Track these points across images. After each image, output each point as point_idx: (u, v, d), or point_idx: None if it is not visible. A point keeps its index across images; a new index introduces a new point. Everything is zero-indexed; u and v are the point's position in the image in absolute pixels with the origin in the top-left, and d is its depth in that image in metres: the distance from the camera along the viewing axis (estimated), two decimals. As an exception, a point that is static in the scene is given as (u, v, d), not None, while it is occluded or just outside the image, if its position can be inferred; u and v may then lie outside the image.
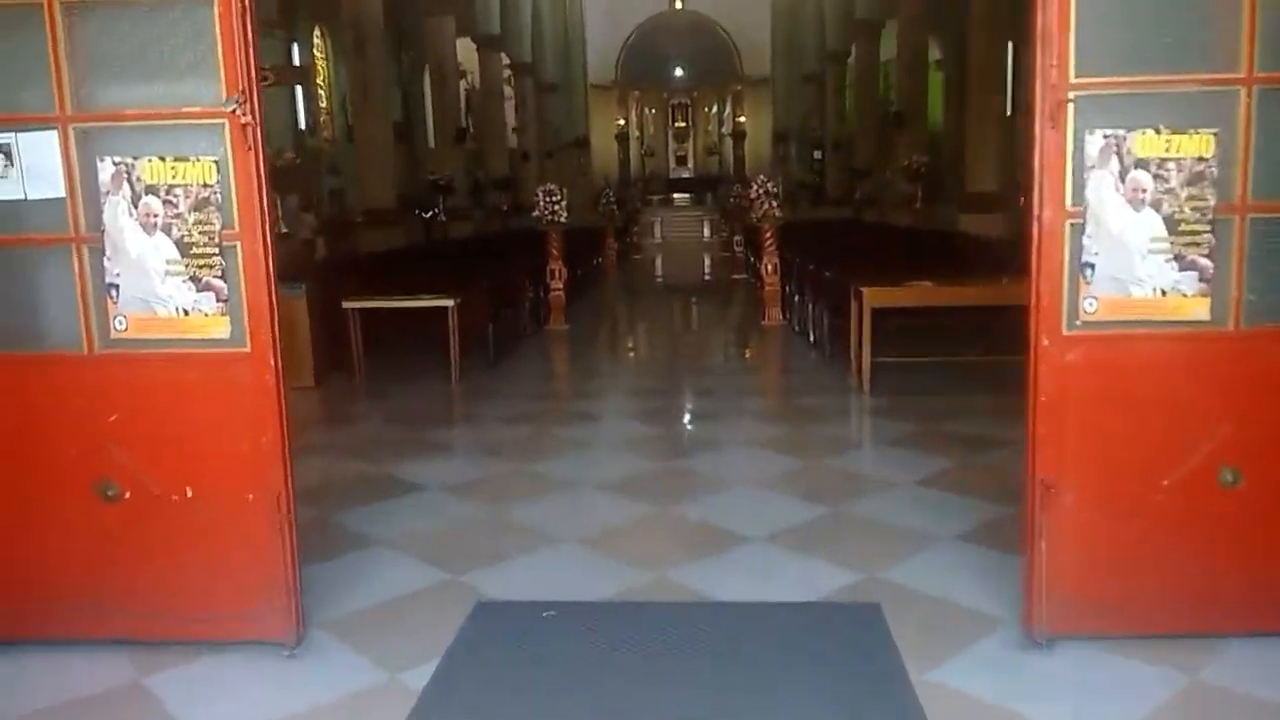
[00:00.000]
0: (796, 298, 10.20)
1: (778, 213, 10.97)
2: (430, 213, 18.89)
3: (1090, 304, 2.96)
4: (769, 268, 11.00)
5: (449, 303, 7.80)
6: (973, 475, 4.99)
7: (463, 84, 31.05)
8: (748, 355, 9.65)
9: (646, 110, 38.03)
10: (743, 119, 36.54)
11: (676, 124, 38.55)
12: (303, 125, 23.88)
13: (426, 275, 9.95)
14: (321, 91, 25.79)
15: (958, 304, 7.14)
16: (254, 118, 3.21)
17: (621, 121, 36.91)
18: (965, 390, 7.02)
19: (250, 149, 3.13)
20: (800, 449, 5.63)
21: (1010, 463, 5.14)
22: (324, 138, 25.18)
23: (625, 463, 5.44)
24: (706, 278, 18.84)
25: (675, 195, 36.22)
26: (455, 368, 7.90)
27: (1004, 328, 8.76)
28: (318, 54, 25.46)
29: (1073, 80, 2.86)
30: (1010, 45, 16.24)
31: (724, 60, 36.33)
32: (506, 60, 28.68)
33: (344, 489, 5.04)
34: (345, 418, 6.95)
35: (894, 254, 11.28)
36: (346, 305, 7.83)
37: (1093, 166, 2.90)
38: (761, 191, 10.85)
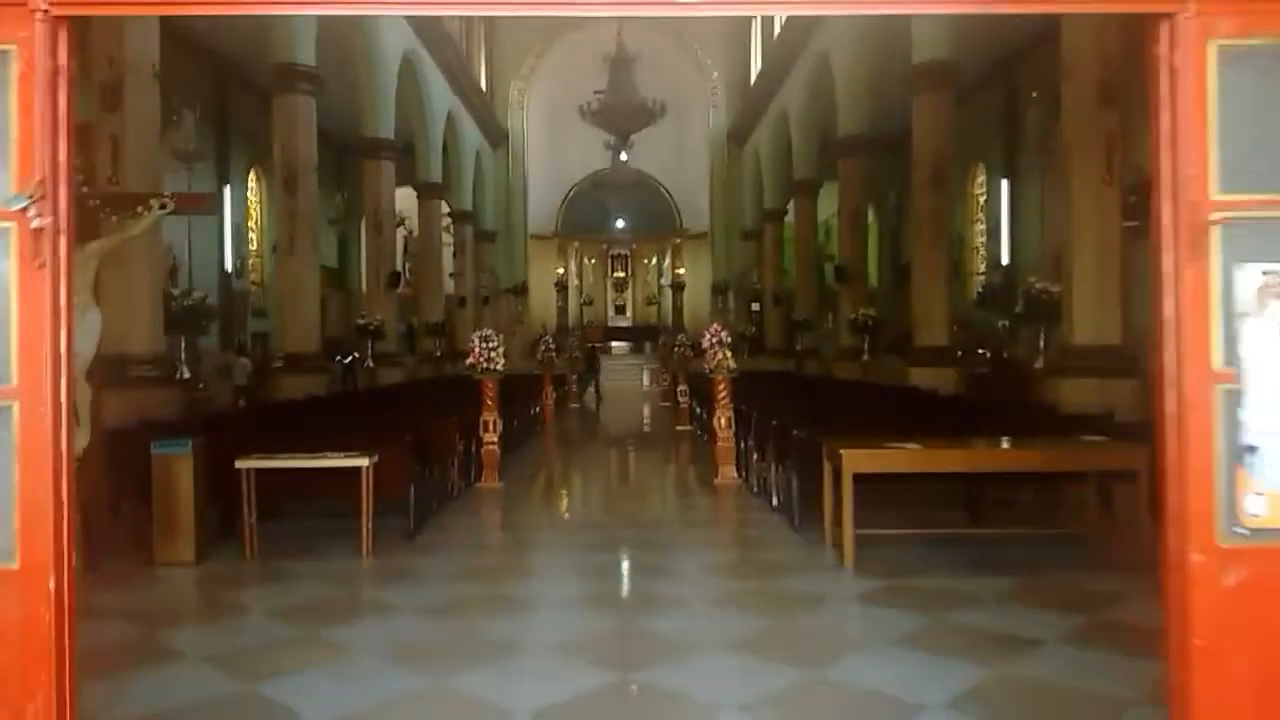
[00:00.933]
0: (755, 456, 9.30)
1: (732, 363, 10.22)
2: (349, 358, 17.82)
3: (1256, 503, 2.08)
4: (722, 421, 10.16)
5: (362, 462, 6.69)
6: (1016, 694, 3.99)
7: (400, 230, 30.78)
8: (706, 523, 8.59)
9: (586, 260, 38.12)
10: (682, 270, 36.77)
11: (616, 274, 38.68)
12: (229, 267, 23.02)
13: (344, 428, 8.85)
14: (253, 234, 25.07)
15: (951, 470, 6.32)
16: (59, 223, 2.23)
17: (561, 270, 36.82)
18: (963, 569, 6.10)
19: (44, 266, 2.15)
20: (789, 654, 4.56)
21: (1058, 674, 4.20)
22: (251, 280, 24.28)
23: (568, 673, 4.31)
24: (649, 428, 17.93)
25: (613, 344, 35.82)
26: (367, 541, 6.72)
27: (1000, 495, 8.18)
28: (251, 196, 24.89)
29: (1217, 197, 2.07)
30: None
31: (663, 214, 36.87)
32: (446, 208, 28.50)
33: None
34: (221, 608, 5.67)
35: (857, 409, 10.56)
36: (239, 464, 6.65)
37: (1247, 313, 2.08)
38: (715, 340, 10.13)
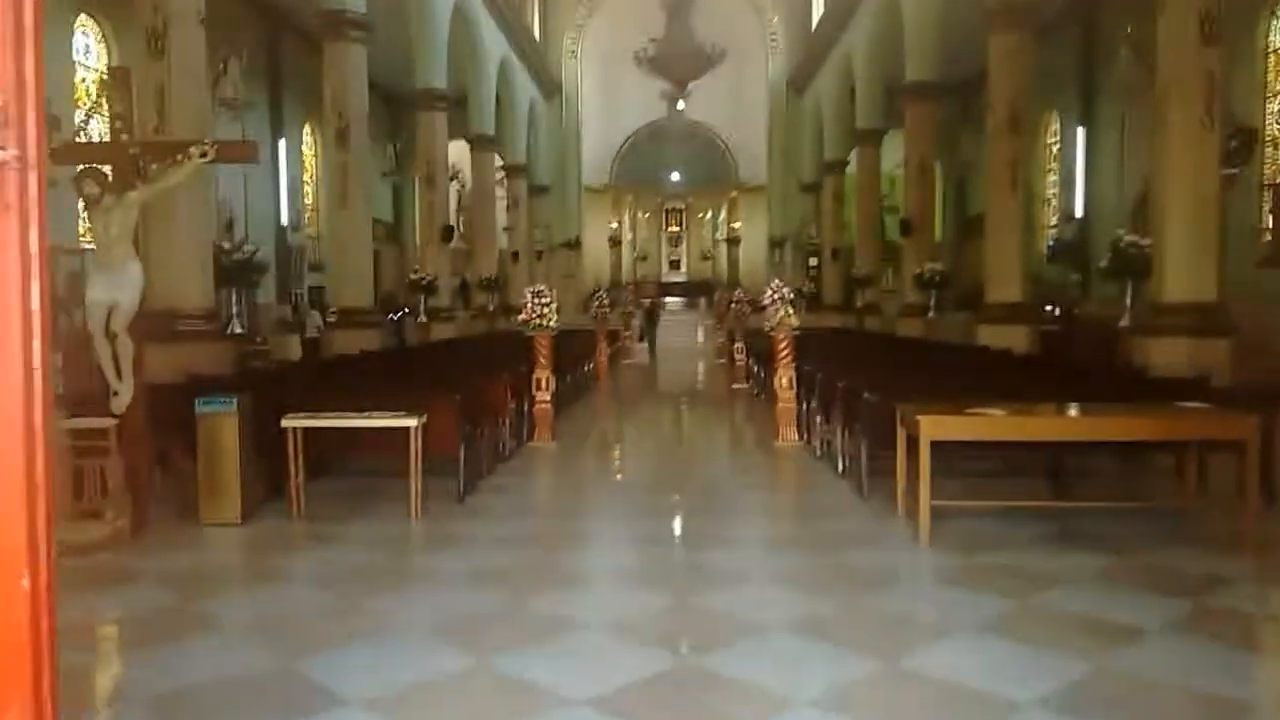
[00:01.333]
0: (820, 419, 8.87)
1: (795, 321, 9.76)
2: (398, 313, 17.64)
3: None
4: (784, 382, 9.73)
5: (411, 423, 6.43)
6: (1120, 691, 3.57)
7: (454, 185, 30.56)
8: (767, 488, 8.20)
9: (640, 213, 37.57)
10: (738, 225, 36.06)
11: (670, 228, 38.10)
12: (285, 220, 23.02)
13: (394, 385, 8.64)
14: (308, 187, 25.04)
15: (1042, 439, 5.84)
16: (28, 157, 1.88)
17: (615, 224, 36.34)
18: (1048, 545, 5.65)
19: (8, 208, 1.81)
20: (861, 640, 4.19)
21: (1166, 668, 3.74)
22: (307, 234, 24.29)
23: (624, 657, 4.00)
24: (705, 386, 17.54)
25: (667, 299, 35.37)
26: (416, 503, 6.49)
27: (1079, 464, 7.64)
28: (306, 149, 24.82)
29: None
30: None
31: (719, 167, 36.09)
32: (500, 161, 28.16)
33: (220, 701, 3.57)
34: (263, 573, 5.48)
35: (926, 369, 10.04)
36: (286, 423, 6.45)
37: None
38: (777, 297, 9.66)
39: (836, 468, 7.97)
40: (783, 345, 9.75)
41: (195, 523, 6.36)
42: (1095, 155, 21.71)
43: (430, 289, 18.12)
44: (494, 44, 25.15)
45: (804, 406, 9.72)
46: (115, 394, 6.28)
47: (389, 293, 25.41)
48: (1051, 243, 21.39)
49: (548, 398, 9.98)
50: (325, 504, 6.91)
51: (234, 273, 10.87)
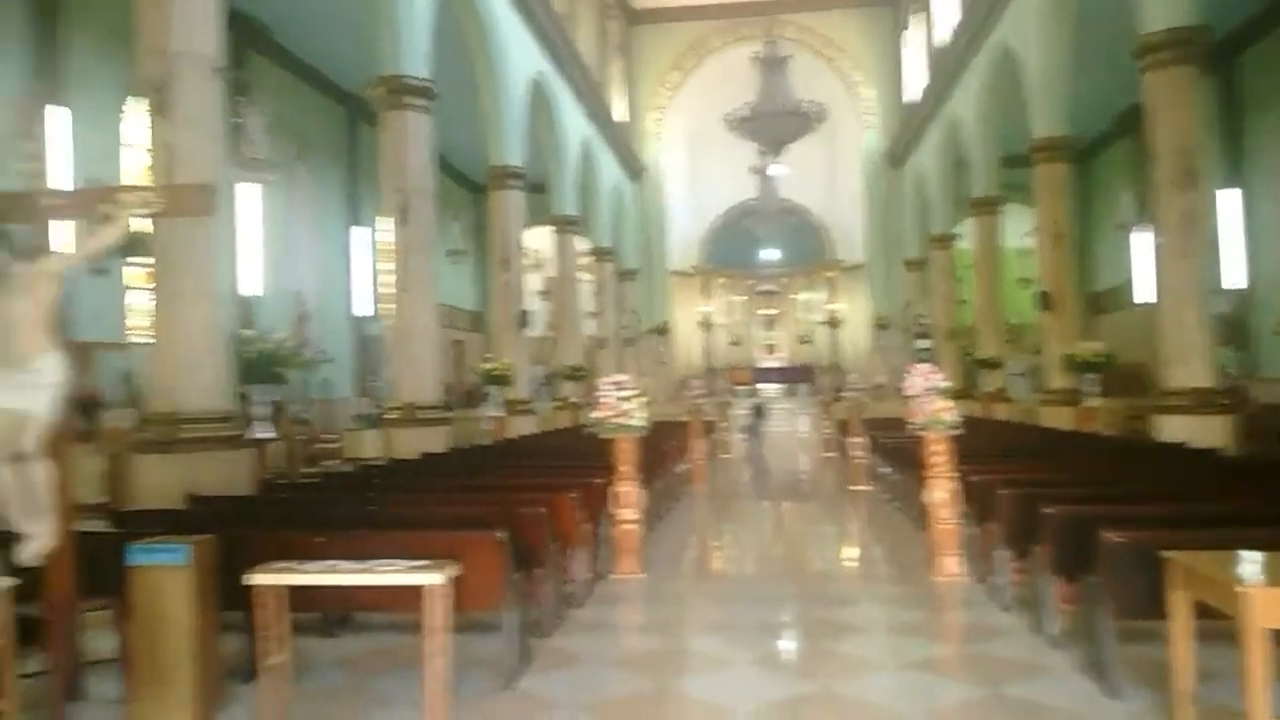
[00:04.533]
0: (1005, 551, 6.45)
1: (949, 416, 7.47)
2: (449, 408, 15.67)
3: None
4: (941, 497, 7.40)
5: (430, 580, 4.39)
6: None
7: (539, 272, 29.29)
8: (949, 672, 5.48)
9: (732, 296, 35.70)
10: (837, 306, 33.77)
11: (764, 310, 36.06)
12: (354, 310, 21.87)
13: (439, 501, 6.65)
14: (384, 276, 24.02)
15: None
16: None
17: (705, 308, 34.53)
18: None
19: None
20: None
21: None
22: (386, 324, 23.11)
23: None
24: (816, 488, 15.05)
25: (761, 386, 33.07)
26: (438, 699, 4.40)
27: None
28: (381, 236, 23.90)
29: None
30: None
31: (814, 245, 34.16)
32: (584, 245, 26.81)
33: None
34: None
35: (1135, 480, 7.57)
36: (254, 580, 4.47)
37: None
38: (927, 387, 7.42)
39: (1040, 627, 5.58)
40: (937, 450, 7.46)
41: (126, 726, 4.42)
42: (1254, 218, 18.98)
43: (503, 380, 16.33)
44: (574, 124, 24.01)
45: (971, 526, 7.36)
46: (22, 540, 4.45)
47: (472, 385, 23.92)
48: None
49: (633, 517, 7.87)
50: (321, 688, 4.89)
51: (258, 366, 9.29)
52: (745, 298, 35.69)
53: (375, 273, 22.73)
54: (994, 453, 9.84)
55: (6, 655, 4.27)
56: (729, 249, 34.26)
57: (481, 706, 4.67)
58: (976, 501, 7.13)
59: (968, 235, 23.57)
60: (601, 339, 29.26)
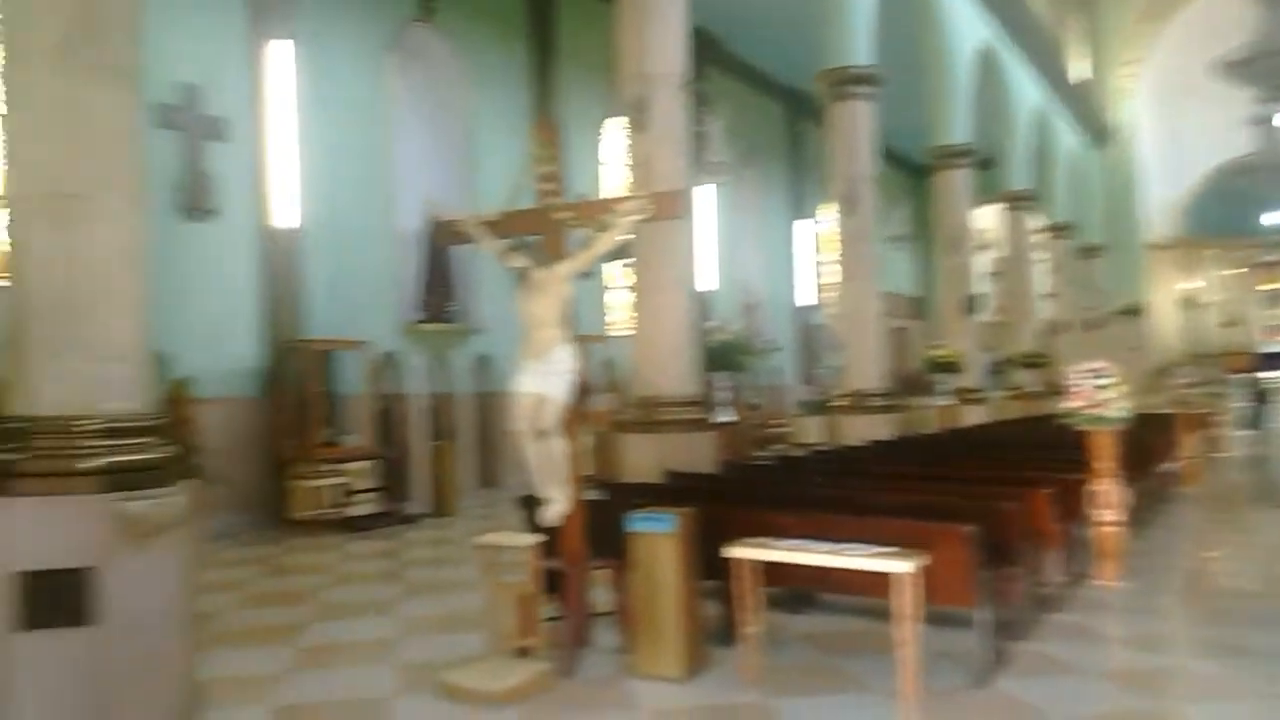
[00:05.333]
0: None
1: None
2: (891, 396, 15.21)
3: None
4: None
5: (900, 568, 4.37)
6: None
7: (990, 252, 27.64)
8: None
9: (1223, 270, 30.56)
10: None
11: (1266, 286, 30.36)
12: (797, 301, 22.50)
13: (892, 490, 6.59)
14: (826, 266, 24.39)
15: None
16: None
17: (1188, 284, 29.98)
18: None
19: None
20: None
21: None
22: (828, 313, 23.52)
23: None
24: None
25: (1263, 374, 27.77)
26: (910, 682, 4.36)
27: None
28: (824, 229, 24.28)
29: None
30: None
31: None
32: (1040, 222, 24.74)
33: None
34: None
35: None
36: (731, 553, 4.81)
37: None
38: None
39: None
40: None
41: (630, 671, 5.02)
42: None
43: (951, 367, 15.69)
44: (1025, 92, 22.24)
45: None
46: (545, 503, 5.26)
47: (917, 372, 23.43)
48: None
49: (1114, 518, 7.09)
50: (795, 657, 5.13)
51: (720, 355, 9.95)
52: (1240, 271, 30.34)
53: (817, 263, 23.25)
54: None
55: (535, 599, 5.07)
56: (1218, 215, 29.37)
57: (955, 700, 4.54)
58: None
59: None
60: (1059, 323, 26.78)
